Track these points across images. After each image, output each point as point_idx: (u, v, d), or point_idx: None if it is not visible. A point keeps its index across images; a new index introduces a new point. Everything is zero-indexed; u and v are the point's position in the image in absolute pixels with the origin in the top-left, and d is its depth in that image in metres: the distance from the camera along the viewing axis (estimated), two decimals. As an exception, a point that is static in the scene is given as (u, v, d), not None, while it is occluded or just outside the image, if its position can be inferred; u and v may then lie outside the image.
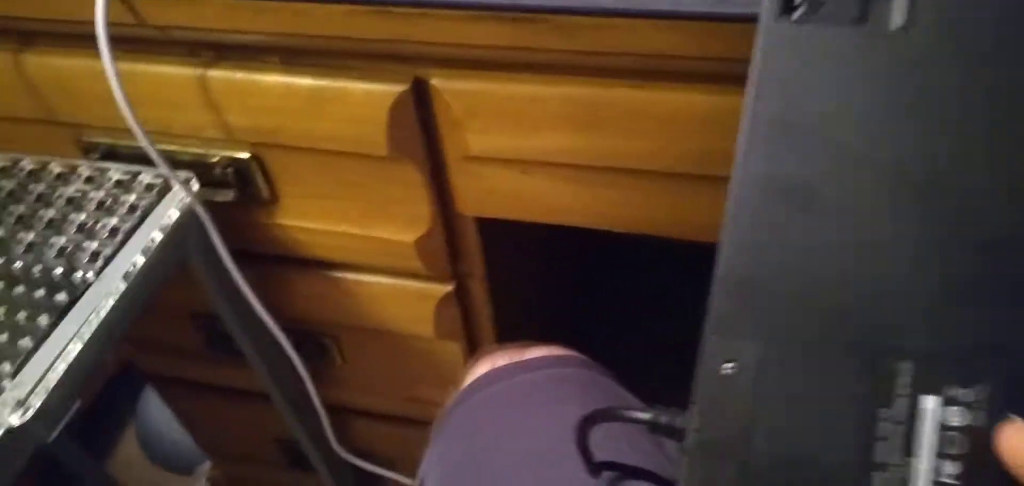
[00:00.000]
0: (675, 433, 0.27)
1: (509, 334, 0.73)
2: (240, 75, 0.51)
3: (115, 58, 0.47)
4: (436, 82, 0.48)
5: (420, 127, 0.51)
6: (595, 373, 0.58)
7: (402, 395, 0.80)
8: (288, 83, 0.50)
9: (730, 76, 0.42)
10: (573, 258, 1.05)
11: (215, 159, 0.57)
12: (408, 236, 0.59)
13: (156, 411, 1.21)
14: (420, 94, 0.50)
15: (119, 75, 0.47)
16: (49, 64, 0.54)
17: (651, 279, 1.07)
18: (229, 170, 0.57)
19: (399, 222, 0.58)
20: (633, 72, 0.44)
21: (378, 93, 0.49)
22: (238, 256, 0.60)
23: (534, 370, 0.57)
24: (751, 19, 0.36)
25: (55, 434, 0.49)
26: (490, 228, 0.60)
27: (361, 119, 0.50)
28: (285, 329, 0.73)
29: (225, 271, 0.61)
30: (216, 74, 0.51)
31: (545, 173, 0.51)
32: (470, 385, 0.58)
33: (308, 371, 0.77)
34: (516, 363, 0.58)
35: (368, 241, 0.60)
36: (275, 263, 0.67)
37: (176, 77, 0.52)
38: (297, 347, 0.76)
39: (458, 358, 0.74)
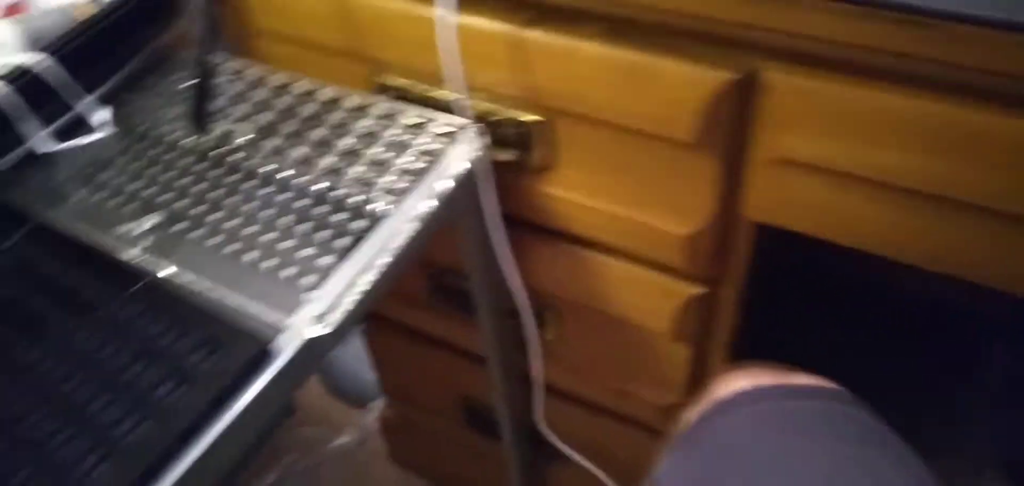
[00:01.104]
0: None
1: (739, 349, 0.69)
2: (558, 39, 0.50)
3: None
4: (774, 75, 0.45)
5: (735, 120, 0.49)
6: (867, 414, 0.53)
7: (612, 385, 0.78)
8: (607, 54, 0.49)
9: None
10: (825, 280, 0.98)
11: (502, 117, 0.57)
12: (680, 229, 0.57)
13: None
14: (744, 85, 0.47)
15: (456, 25, 0.48)
16: (374, 2, 0.56)
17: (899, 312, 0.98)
18: (515, 131, 0.57)
19: (675, 213, 0.56)
20: (1016, 98, 0.39)
21: (703, 78, 0.47)
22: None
23: (806, 398, 0.53)
24: None
25: (333, 351, 0.51)
26: (761, 236, 0.57)
27: (676, 102, 0.48)
28: (509, 293, 0.73)
29: (486, 229, 0.61)
30: (533, 34, 0.51)
31: (868, 192, 0.47)
32: (729, 398, 0.55)
33: (521, 340, 0.78)
34: (785, 386, 0.54)
35: (634, 225, 0.59)
36: (524, 227, 0.66)
37: (491, 32, 0.52)
38: (514, 313, 0.76)
39: (682, 362, 0.71)
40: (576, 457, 0.85)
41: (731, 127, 0.49)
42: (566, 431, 0.87)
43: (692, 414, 0.59)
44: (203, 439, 0.44)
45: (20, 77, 0.56)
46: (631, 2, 0.46)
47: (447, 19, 0.48)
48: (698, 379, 0.73)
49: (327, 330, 0.47)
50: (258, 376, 0.46)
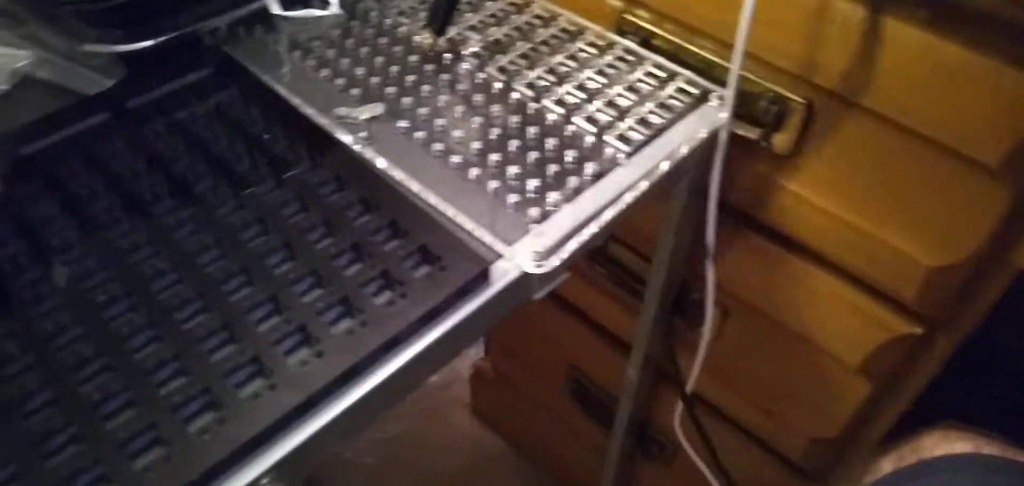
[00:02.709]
0: None
1: (922, 408, 0.63)
2: (873, 16, 0.44)
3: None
4: None
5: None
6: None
7: (760, 402, 0.73)
8: (929, 44, 0.42)
9: None
10: None
11: (759, 90, 0.51)
12: (929, 258, 0.50)
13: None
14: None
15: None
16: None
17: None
18: (773, 108, 0.51)
19: (929, 240, 0.50)
20: None
21: (1044, 96, 0.40)
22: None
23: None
24: None
25: (540, 295, 0.47)
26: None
27: (995, 119, 0.42)
28: (682, 281, 0.68)
29: (702, 206, 0.56)
30: (844, 6, 0.45)
31: None
32: (943, 460, 0.49)
33: (675, 328, 0.73)
34: (1014, 462, 0.48)
35: (871, 242, 0.53)
36: (728, 213, 0.61)
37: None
38: (676, 302, 0.71)
39: (856, 400, 0.65)
40: (706, 472, 0.79)
41: (1048, 160, 0.43)
42: (688, 437, 0.82)
43: (886, 464, 0.53)
44: (405, 353, 0.40)
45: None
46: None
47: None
48: (864, 422, 0.67)
49: (544, 269, 0.43)
50: (472, 299, 0.42)
